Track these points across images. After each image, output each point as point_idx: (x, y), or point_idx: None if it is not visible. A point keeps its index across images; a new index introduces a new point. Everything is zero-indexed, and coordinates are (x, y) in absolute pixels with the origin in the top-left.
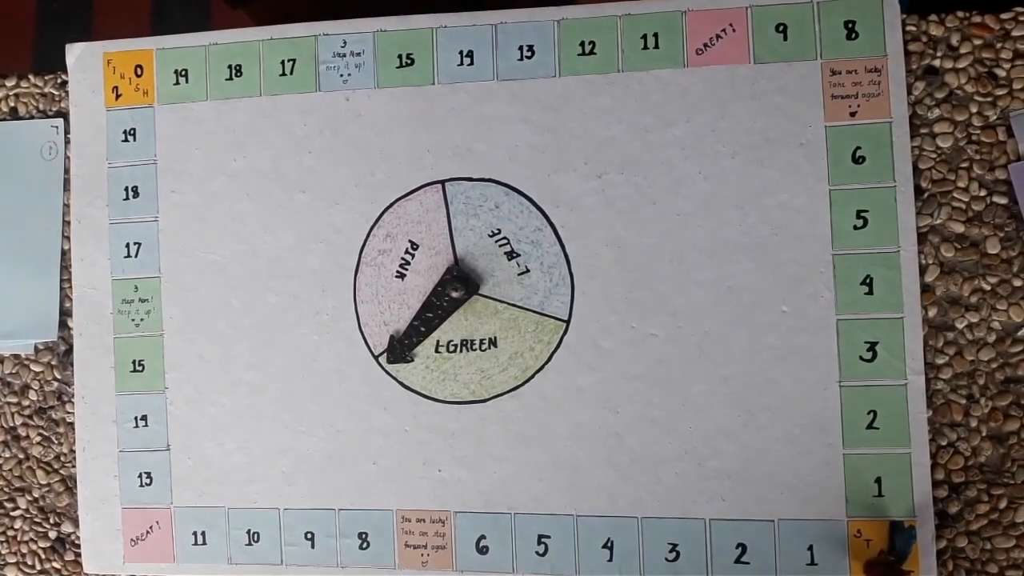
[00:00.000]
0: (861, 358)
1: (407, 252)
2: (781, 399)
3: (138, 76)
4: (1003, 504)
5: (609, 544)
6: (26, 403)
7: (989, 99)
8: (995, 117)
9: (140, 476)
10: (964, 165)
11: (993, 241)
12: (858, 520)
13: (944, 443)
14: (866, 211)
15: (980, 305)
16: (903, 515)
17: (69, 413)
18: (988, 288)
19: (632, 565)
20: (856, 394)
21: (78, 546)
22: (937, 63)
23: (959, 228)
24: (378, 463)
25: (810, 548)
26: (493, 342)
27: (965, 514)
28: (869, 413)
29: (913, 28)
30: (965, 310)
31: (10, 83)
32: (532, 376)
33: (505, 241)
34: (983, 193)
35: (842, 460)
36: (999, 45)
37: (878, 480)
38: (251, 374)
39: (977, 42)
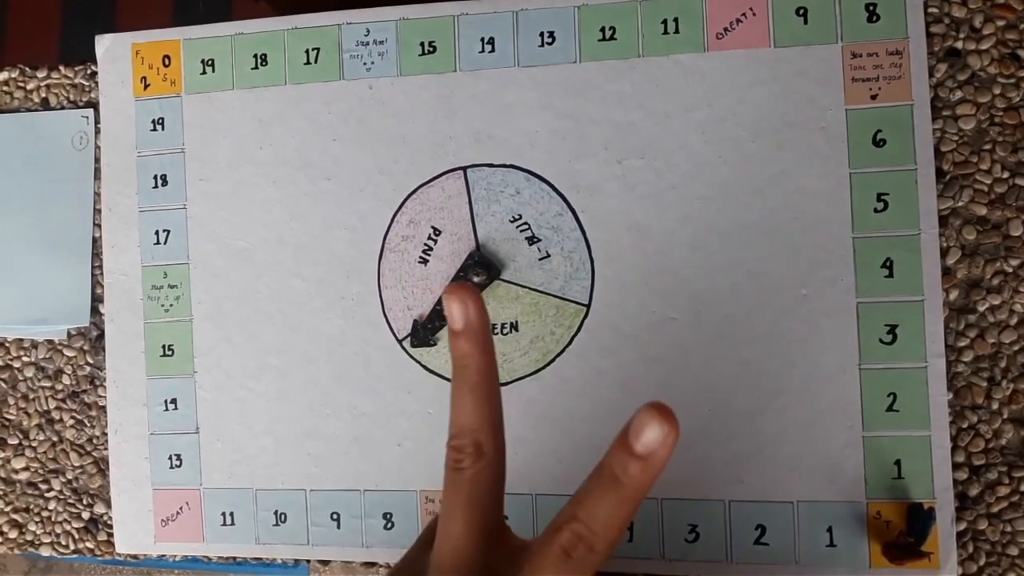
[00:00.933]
0: (881, 341)
1: (430, 238)
2: (801, 382)
3: (166, 66)
4: None
5: (629, 524)
6: (59, 387)
7: (1012, 80)
8: (1018, 99)
9: (170, 458)
10: (986, 147)
11: (1016, 223)
12: (877, 502)
13: (965, 425)
14: (886, 194)
15: (1002, 287)
16: (923, 497)
17: (101, 397)
18: (1010, 270)
19: (651, 545)
20: (876, 377)
21: (110, 526)
22: (959, 45)
23: (981, 210)
24: (402, 445)
25: (829, 530)
26: (514, 326)
27: (985, 496)
28: (889, 396)
29: (935, 10)
30: (987, 293)
31: (41, 74)
32: (553, 360)
33: (526, 226)
34: (1006, 175)
35: (862, 442)
36: (1022, 26)
37: (898, 462)
38: (278, 358)
39: (1000, 23)
